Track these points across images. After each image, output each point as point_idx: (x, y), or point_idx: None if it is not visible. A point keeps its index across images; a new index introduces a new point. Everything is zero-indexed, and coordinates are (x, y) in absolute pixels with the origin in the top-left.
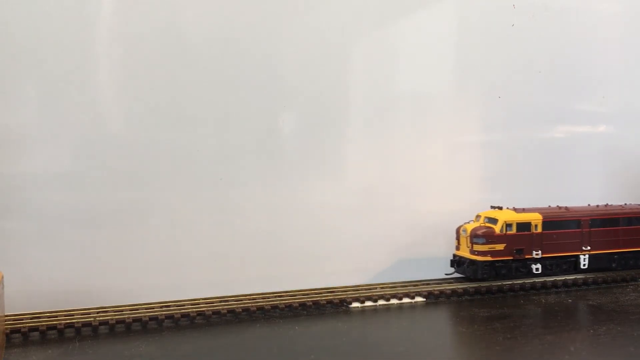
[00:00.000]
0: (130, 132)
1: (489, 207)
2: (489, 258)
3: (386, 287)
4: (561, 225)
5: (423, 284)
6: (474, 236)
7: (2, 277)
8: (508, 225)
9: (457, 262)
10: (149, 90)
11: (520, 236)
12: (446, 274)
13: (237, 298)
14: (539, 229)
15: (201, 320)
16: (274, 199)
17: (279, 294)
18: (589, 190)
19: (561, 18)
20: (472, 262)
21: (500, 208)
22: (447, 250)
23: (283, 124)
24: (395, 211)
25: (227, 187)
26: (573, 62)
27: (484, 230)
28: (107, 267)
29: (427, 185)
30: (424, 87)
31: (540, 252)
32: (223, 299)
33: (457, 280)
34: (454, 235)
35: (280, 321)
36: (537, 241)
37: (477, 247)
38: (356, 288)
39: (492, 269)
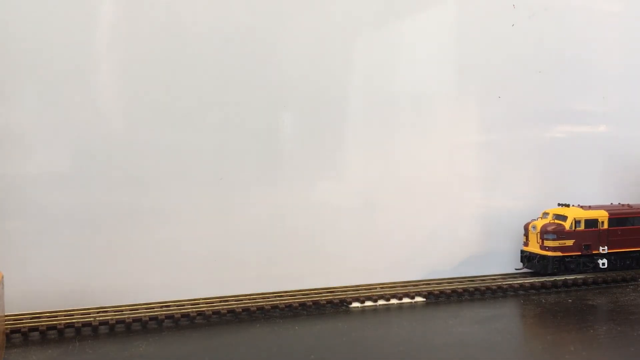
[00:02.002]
0: (130, 132)
1: (557, 204)
2: (559, 253)
3: (386, 287)
4: (625, 222)
5: (423, 284)
6: (545, 232)
7: (2, 277)
8: (577, 222)
9: (526, 257)
10: (149, 90)
11: (589, 232)
12: (516, 269)
13: (237, 298)
14: (605, 226)
15: (201, 320)
16: (274, 199)
17: (279, 294)
18: (588, 190)
19: (561, 18)
20: (543, 257)
21: (567, 205)
22: (448, 250)
23: (283, 124)
24: (395, 211)
25: (227, 187)
26: (573, 62)
27: (554, 226)
28: (107, 267)
29: (426, 185)
30: (424, 86)
31: (606, 247)
32: (223, 299)
33: (457, 279)
34: (457, 235)
35: (280, 321)
36: (604, 237)
37: (547, 243)
38: (356, 288)
39: (561, 264)
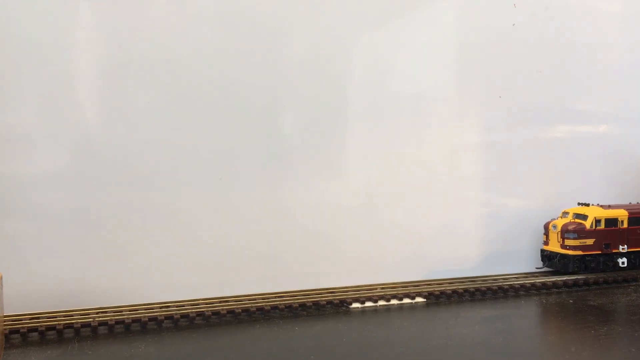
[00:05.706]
0: (130, 132)
1: (576, 203)
2: (579, 252)
3: (387, 288)
4: None
5: (424, 284)
6: (566, 231)
7: (2, 277)
8: (597, 221)
9: (547, 256)
10: (149, 90)
11: (609, 231)
12: (537, 268)
13: (237, 298)
14: (625, 225)
15: (200, 321)
16: (274, 199)
17: (278, 295)
18: (589, 190)
19: (561, 18)
20: (563, 256)
21: (587, 205)
22: (449, 250)
23: (283, 124)
24: (395, 210)
25: (227, 187)
26: (573, 62)
27: (575, 225)
28: (107, 267)
29: (427, 185)
30: (424, 87)
31: (626, 246)
32: (223, 300)
33: (458, 280)
34: (457, 236)
35: (280, 322)
36: (624, 236)
37: (568, 242)
38: (356, 288)
39: (582, 263)
